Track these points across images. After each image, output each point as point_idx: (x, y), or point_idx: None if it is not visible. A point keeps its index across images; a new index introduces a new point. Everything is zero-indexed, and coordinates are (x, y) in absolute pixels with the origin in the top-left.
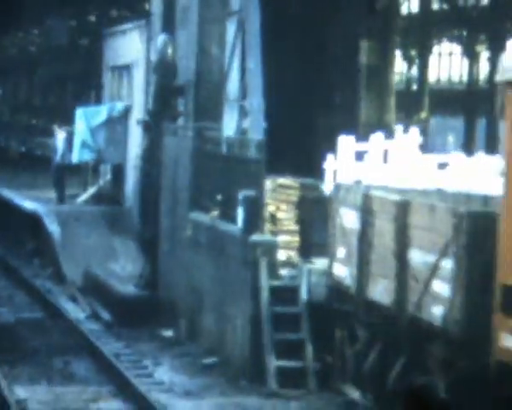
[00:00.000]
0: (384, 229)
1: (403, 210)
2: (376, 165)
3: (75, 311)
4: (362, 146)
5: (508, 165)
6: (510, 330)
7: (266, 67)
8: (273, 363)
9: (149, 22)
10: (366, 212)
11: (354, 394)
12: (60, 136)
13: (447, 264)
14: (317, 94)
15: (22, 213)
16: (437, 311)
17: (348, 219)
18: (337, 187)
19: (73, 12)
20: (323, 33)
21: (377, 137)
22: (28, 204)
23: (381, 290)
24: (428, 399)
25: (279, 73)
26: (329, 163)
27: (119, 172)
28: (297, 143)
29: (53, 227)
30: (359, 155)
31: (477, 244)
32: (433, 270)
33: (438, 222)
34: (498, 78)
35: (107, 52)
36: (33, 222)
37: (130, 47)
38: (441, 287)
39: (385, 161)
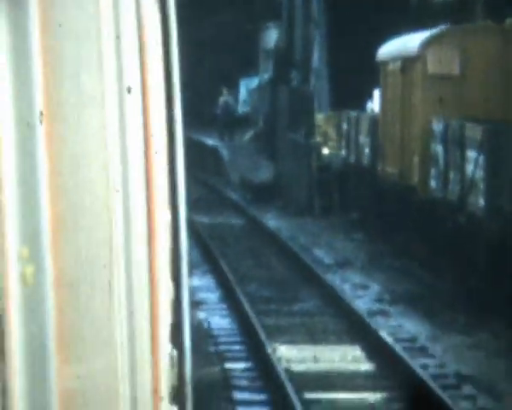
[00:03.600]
0: (348, 128)
1: (356, 120)
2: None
3: (233, 195)
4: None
5: (381, 109)
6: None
7: (335, 51)
8: (318, 203)
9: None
10: (347, 123)
11: (354, 215)
12: (225, 97)
13: (367, 140)
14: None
15: (208, 148)
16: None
17: (344, 128)
18: (340, 114)
19: (240, 8)
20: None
21: None
22: (211, 142)
23: (350, 157)
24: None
25: (345, 52)
26: (369, 105)
27: (274, 120)
28: (356, 94)
29: (225, 154)
30: None
31: (372, 131)
32: (365, 143)
33: (364, 124)
34: (377, 59)
35: (262, 40)
36: (214, 153)
37: (271, 38)
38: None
39: None
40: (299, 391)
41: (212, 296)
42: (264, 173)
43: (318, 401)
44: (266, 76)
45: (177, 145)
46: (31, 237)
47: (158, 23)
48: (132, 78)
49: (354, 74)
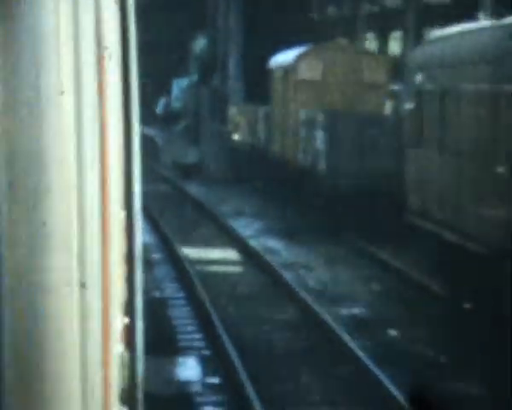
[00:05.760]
0: (250, 119)
1: (255, 113)
2: None
3: (164, 171)
4: None
5: (271, 104)
6: None
7: (248, 58)
8: (229, 176)
9: (212, 30)
10: (250, 115)
11: (256, 183)
12: (163, 100)
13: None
14: None
15: (146, 136)
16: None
17: (248, 119)
18: (247, 108)
19: (175, 17)
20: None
21: None
22: (149, 132)
23: (246, 136)
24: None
25: (256, 59)
26: None
27: (199, 113)
28: (264, 93)
29: (159, 141)
30: None
31: (265, 120)
32: (261, 130)
33: (261, 115)
34: (268, 67)
35: (193, 47)
36: (151, 141)
37: (199, 45)
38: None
39: None
40: (192, 266)
41: (143, 227)
42: (191, 156)
43: (203, 270)
44: (194, 77)
45: (134, 145)
46: None
47: (117, 23)
48: (90, 77)
49: (263, 77)
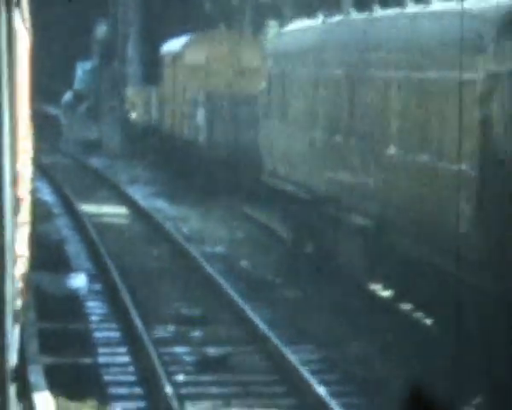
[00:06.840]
0: (144, 99)
1: (149, 93)
2: None
3: (67, 147)
4: None
5: (161, 85)
6: None
7: (146, 44)
8: (126, 150)
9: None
10: (145, 95)
11: (150, 157)
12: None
13: None
14: None
15: (51, 116)
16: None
17: (143, 99)
18: (142, 89)
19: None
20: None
21: None
22: (52, 111)
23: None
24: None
25: (152, 44)
26: None
27: (100, 94)
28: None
29: (63, 120)
30: None
31: (158, 100)
32: (154, 109)
33: (154, 96)
34: (160, 53)
35: (96, 31)
36: (56, 120)
37: (102, 30)
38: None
39: None
40: (88, 218)
41: (45, 189)
42: (91, 133)
43: (97, 221)
44: (96, 61)
45: (3, 131)
46: None
47: None
48: None
49: (158, 61)
